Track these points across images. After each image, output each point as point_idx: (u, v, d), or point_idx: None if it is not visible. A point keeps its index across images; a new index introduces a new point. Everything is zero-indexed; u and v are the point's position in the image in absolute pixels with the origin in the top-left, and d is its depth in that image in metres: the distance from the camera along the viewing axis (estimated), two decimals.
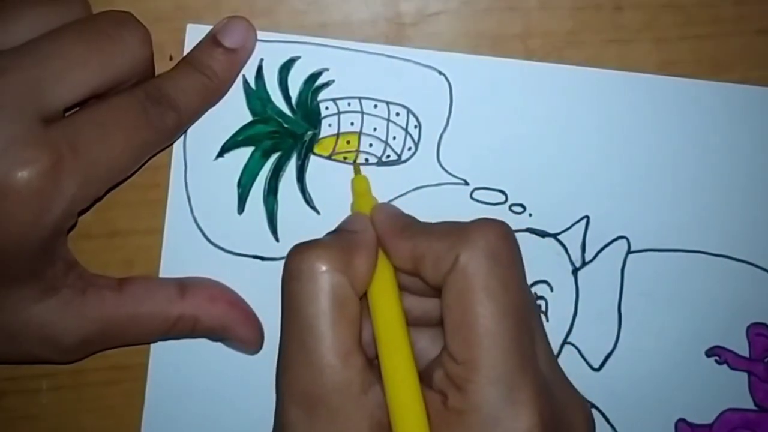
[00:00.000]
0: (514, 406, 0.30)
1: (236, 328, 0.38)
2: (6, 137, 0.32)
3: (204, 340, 0.39)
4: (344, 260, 0.32)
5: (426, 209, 0.37)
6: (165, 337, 0.37)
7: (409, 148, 0.40)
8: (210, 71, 0.37)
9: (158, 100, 0.35)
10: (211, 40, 0.38)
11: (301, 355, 0.32)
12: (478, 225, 0.32)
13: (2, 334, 0.34)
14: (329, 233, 0.35)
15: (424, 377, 0.32)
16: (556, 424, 0.31)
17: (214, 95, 0.38)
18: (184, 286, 0.37)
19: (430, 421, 0.31)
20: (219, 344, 0.39)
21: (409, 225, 0.35)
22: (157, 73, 0.37)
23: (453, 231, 0.32)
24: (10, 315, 0.34)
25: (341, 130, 0.40)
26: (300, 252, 0.33)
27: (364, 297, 0.34)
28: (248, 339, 0.38)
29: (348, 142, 0.40)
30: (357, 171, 0.39)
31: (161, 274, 0.39)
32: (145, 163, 0.37)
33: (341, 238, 0.34)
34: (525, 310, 0.32)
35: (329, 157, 0.40)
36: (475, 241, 0.31)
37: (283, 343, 0.33)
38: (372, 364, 0.33)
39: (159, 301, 0.36)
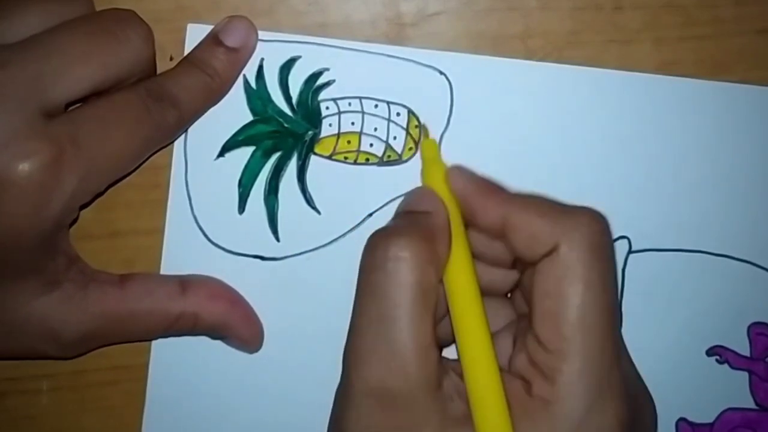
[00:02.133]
0: (603, 401, 0.30)
1: (237, 327, 0.38)
2: (7, 129, 0.32)
3: (204, 341, 0.39)
4: (428, 249, 0.32)
5: None
6: (166, 334, 0.37)
7: (410, 148, 0.40)
8: (211, 70, 0.37)
9: (160, 97, 0.35)
10: (213, 40, 0.38)
11: (381, 347, 0.31)
12: (580, 214, 0.32)
13: (3, 328, 0.34)
14: (401, 216, 0.35)
15: (500, 360, 0.32)
16: (635, 420, 0.31)
17: (215, 94, 0.38)
18: (185, 283, 0.37)
19: (511, 408, 0.31)
20: (220, 345, 0.39)
21: (499, 189, 0.34)
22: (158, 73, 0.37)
23: (554, 213, 0.32)
24: (11, 309, 0.34)
25: (342, 130, 0.40)
26: (385, 241, 0.32)
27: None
28: (248, 338, 0.38)
29: (348, 142, 0.40)
30: (426, 134, 0.39)
31: (162, 270, 0.39)
32: (145, 161, 0.37)
33: (419, 223, 0.33)
34: (616, 307, 0.32)
35: (330, 157, 0.40)
36: (578, 230, 0.31)
37: (359, 333, 0.32)
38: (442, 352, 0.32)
39: (160, 298, 0.36)
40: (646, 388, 0.34)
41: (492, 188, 0.34)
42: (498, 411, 0.30)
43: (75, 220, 0.35)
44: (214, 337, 0.38)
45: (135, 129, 0.34)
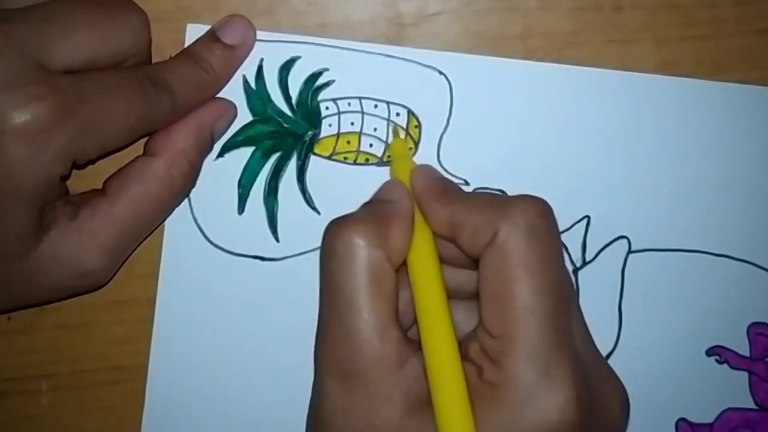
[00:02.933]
0: (549, 381, 0.30)
1: (217, 127, 0.38)
2: (13, 74, 0.32)
3: (204, 342, 0.39)
4: (380, 234, 0.33)
5: None
6: (175, 200, 0.38)
7: (410, 149, 0.40)
8: (207, 65, 0.37)
9: (156, 81, 0.36)
10: (211, 36, 0.38)
11: (339, 330, 0.32)
12: (518, 200, 0.32)
13: (20, 277, 0.35)
14: (365, 204, 0.35)
15: (461, 351, 0.32)
16: (591, 401, 0.31)
17: (210, 89, 0.38)
18: (152, 148, 0.37)
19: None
20: (219, 345, 0.39)
21: (448, 190, 0.35)
22: None
23: (493, 203, 0.33)
24: (18, 258, 0.34)
25: (341, 130, 0.40)
26: (336, 228, 0.33)
27: (401, 267, 0.34)
28: (229, 118, 0.39)
29: (348, 142, 0.40)
30: (395, 134, 0.39)
31: (161, 274, 0.39)
32: (132, 143, 0.37)
33: (376, 210, 0.34)
34: (562, 288, 0.32)
35: (329, 158, 0.40)
36: (515, 217, 0.32)
37: (322, 318, 0.33)
38: (407, 336, 0.33)
39: (147, 180, 0.36)
40: (611, 371, 0.34)
41: (443, 190, 0.35)
42: (457, 393, 0.31)
43: (67, 177, 0.35)
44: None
45: (132, 102, 0.35)
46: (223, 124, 0.39)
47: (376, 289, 0.32)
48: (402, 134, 0.39)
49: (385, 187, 0.36)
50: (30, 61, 0.33)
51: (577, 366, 0.31)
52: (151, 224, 0.38)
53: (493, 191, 0.40)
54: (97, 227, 0.35)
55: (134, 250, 0.38)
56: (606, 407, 0.33)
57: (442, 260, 0.35)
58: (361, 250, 0.32)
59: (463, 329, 0.34)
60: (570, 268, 0.40)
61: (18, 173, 0.32)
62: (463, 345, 0.33)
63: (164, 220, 0.39)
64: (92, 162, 0.36)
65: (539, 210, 0.32)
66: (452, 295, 0.35)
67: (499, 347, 0.31)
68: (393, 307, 0.32)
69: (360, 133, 0.40)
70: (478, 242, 0.32)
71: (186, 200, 0.39)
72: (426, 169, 0.37)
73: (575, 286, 0.41)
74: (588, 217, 0.40)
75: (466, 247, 0.33)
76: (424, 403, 0.31)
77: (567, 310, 0.32)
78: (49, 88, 0.32)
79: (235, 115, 0.39)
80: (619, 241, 0.41)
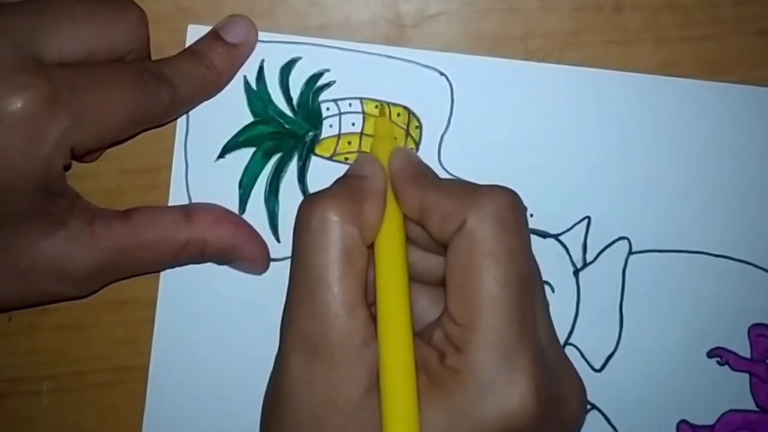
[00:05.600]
0: (510, 371, 0.30)
1: (243, 248, 0.38)
2: (3, 64, 0.32)
3: (205, 342, 0.39)
4: (353, 209, 0.33)
5: None
6: (174, 263, 0.38)
7: (411, 149, 0.40)
8: (209, 63, 0.37)
9: (155, 74, 0.36)
10: (213, 35, 0.38)
11: (308, 304, 0.32)
12: (488, 190, 0.32)
13: (13, 272, 0.34)
14: (339, 179, 0.35)
15: (425, 336, 0.33)
16: (550, 394, 0.31)
17: (210, 87, 0.38)
18: (189, 211, 0.37)
19: (426, 376, 0.31)
20: (220, 346, 0.39)
21: (423, 175, 0.35)
22: None
23: (463, 191, 0.33)
24: (17, 252, 0.34)
25: (342, 131, 0.40)
26: (310, 203, 0.33)
27: (372, 246, 0.34)
28: (256, 257, 0.38)
29: (349, 143, 0.40)
30: (382, 113, 0.39)
31: (162, 275, 0.39)
32: (132, 137, 0.37)
33: (350, 185, 0.34)
34: (528, 279, 0.32)
35: (330, 158, 0.40)
36: (484, 206, 0.32)
37: (291, 292, 0.33)
38: (373, 315, 0.33)
39: (166, 227, 0.36)
40: (571, 367, 0.34)
41: (418, 174, 0.35)
42: (404, 374, 0.31)
43: (68, 167, 0.35)
44: (221, 263, 0.38)
45: (129, 92, 0.35)
46: (242, 266, 0.39)
47: (347, 265, 0.32)
48: (387, 113, 0.39)
49: (360, 161, 0.36)
50: (23, 52, 0.33)
51: (539, 357, 0.31)
52: (144, 271, 0.37)
53: None
54: (103, 246, 0.35)
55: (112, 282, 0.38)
56: (565, 401, 0.33)
57: (415, 243, 0.35)
58: (335, 225, 0.32)
59: (430, 316, 0.34)
60: (571, 269, 0.40)
61: (13, 163, 0.32)
62: (427, 331, 0.33)
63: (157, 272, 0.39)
64: (92, 153, 0.36)
65: (509, 200, 0.32)
66: (421, 279, 0.35)
67: (463, 335, 0.31)
68: (363, 285, 0.32)
69: (361, 134, 0.40)
70: (447, 229, 0.32)
71: (187, 201, 0.39)
72: (406, 151, 0.37)
73: (577, 288, 0.41)
74: (588, 217, 0.40)
75: (435, 232, 0.33)
76: None
77: (532, 302, 0.32)
78: (41, 77, 0.32)
79: (260, 271, 0.39)
80: (620, 241, 0.41)
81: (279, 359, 0.33)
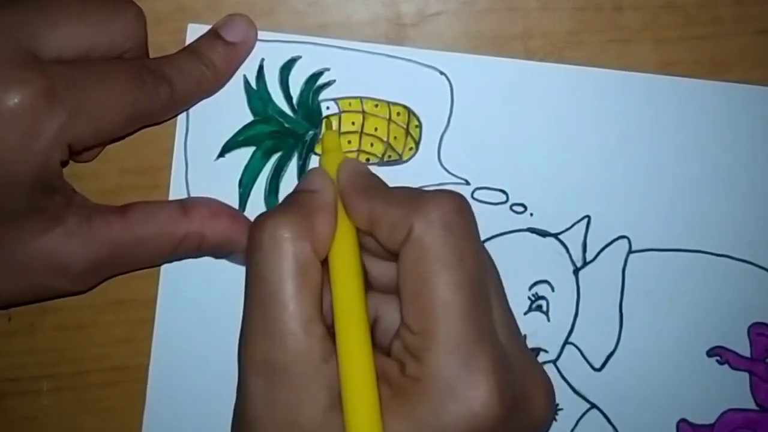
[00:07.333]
0: (470, 374, 0.30)
1: (241, 241, 0.37)
2: (1, 59, 0.32)
3: (205, 342, 0.39)
4: (304, 225, 0.32)
5: None
6: (172, 258, 0.37)
7: (410, 148, 0.40)
8: (208, 61, 0.37)
9: (154, 71, 0.36)
10: (213, 34, 0.38)
11: (264, 324, 0.32)
12: (432, 196, 0.32)
13: (11, 268, 0.34)
14: (289, 195, 0.35)
15: (385, 348, 0.33)
16: (514, 394, 0.31)
17: (209, 85, 0.38)
18: (186, 205, 0.37)
19: (389, 387, 0.31)
20: (220, 346, 0.39)
21: (370, 186, 0.35)
22: None
23: (409, 199, 0.32)
24: (15, 248, 0.34)
25: (342, 130, 0.40)
26: (261, 222, 0.33)
27: (326, 260, 0.34)
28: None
29: (349, 142, 0.40)
30: (328, 126, 0.39)
31: (162, 275, 0.39)
32: (130, 134, 0.37)
33: (300, 201, 0.34)
34: (480, 281, 0.32)
35: None
36: (429, 213, 0.31)
37: (246, 314, 0.33)
38: (331, 331, 0.33)
39: (163, 221, 0.36)
40: (536, 363, 0.34)
41: (365, 185, 0.35)
42: (365, 389, 0.31)
43: (65, 163, 0.35)
44: (218, 256, 0.38)
45: (127, 89, 0.35)
46: (240, 259, 0.38)
47: (302, 281, 0.32)
48: (334, 126, 0.39)
49: (309, 176, 0.36)
50: (19, 47, 0.33)
51: (499, 358, 0.31)
52: (142, 266, 0.38)
53: (493, 191, 0.40)
54: (101, 241, 0.35)
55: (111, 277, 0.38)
56: (530, 399, 0.32)
57: (373, 254, 0.35)
58: (286, 242, 0.32)
59: (395, 328, 0.34)
60: (571, 268, 0.41)
61: (10, 157, 0.32)
62: (389, 343, 0.33)
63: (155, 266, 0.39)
64: (90, 151, 0.36)
65: (454, 204, 0.32)
66: (385, 290, 0.35)
67: (420, 343, 0.31)
68: (318, 301, 0.32)
69: (361, 133, 0.40)
70: (396, 238, 0.32)
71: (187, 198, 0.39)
72: (354, 163, 0.36)
73: (576, 287, 0.41)
74: (588, 217, 0.40)
75: (385, 242, 0.33)
76: None
77: (487, 302, 0.32)
78: (38, 73, 0.32)
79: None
80: (620, 241, 0.41)
81: (240, 387, 0.33)
